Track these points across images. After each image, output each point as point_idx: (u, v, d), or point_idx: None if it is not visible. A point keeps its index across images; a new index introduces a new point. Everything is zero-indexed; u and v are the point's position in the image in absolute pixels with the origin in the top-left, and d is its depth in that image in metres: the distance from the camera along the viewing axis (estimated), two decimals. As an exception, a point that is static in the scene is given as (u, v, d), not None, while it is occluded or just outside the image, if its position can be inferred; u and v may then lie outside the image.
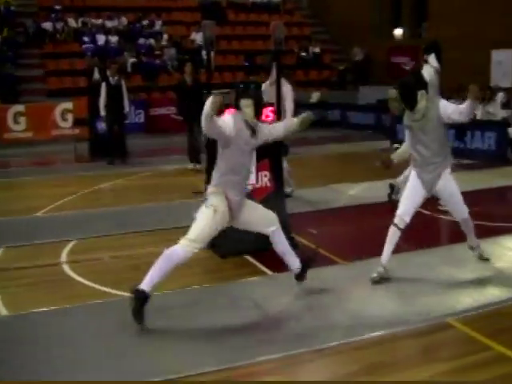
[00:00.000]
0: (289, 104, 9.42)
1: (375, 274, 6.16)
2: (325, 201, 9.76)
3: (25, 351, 4.75)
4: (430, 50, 9.90)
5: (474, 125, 14.03)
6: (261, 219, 5.67)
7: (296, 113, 9.09)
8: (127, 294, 5.84)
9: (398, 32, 23.39)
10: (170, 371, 4.40)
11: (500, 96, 15.30)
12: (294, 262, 5.86)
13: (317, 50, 24.39)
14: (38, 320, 5.36)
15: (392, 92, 18.61)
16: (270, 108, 7.13)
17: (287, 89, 9.49)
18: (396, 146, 11.57)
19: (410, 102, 5.97)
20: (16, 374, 4.42)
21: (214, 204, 5.30)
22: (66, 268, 6.76)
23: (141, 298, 5.06)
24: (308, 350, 4.69)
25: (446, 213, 7.38)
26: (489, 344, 4.74)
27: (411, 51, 21.29)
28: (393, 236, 6.20)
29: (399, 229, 6.17)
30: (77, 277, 6.47)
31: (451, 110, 5.97)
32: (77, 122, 15.92)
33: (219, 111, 5.13)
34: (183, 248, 5.20)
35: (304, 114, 5.71)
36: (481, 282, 6.08)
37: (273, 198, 7.26)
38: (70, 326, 5.24)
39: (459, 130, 14.19)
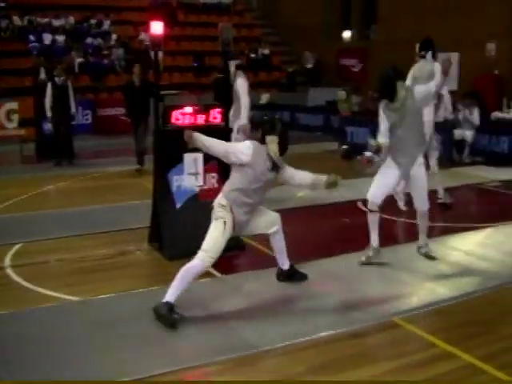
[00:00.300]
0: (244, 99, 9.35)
1: (363, 258, 6.61)
2: (275, 202, 9.73)
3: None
4: (428, 46, 10.14)
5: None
6: (264, 223, 5.80)
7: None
8: (74, 298, 5.82)
9: (347, 34, 23.64)
10: (119, 375, 4.35)
11: (446, 98, 15.57)
12: (285, 262, 6.04)
13: (266, 51, 24.46)
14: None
15: (341, 93, 18.95)
16: (218, 109, 7.06)
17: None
18: (345, 146, 11.74)
19: (390, 93, 6.35)
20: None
21: (222, 216, 5.41)
22: (10, 272, 6.60)
23: (169, 307, 5.12)
24: (255, 352, 4.68)
25: (391, 214, 7.49)
26: (433, 341, 4.82)
27: (360, 53, 21.58)
28: (372, 221, 6.60)
29: (375, 211, 6.57)
30: (22, 281, 6.32)
31: (424, 87, 6.59)
32: (23, 123, 15.59)
33: None
34: (200, 260, 5.31)
35: (332, 176, 5.77)
36: (426, 282, 6.18)
37: (221, 199, 7.24)
38: (14, 332, 5.09)
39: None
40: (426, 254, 6.81)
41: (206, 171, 7.10)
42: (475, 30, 17.36)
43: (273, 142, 5.48)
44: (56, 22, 22.37)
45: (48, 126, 14.38)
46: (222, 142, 5.59)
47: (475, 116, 13.65)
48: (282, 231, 5.93)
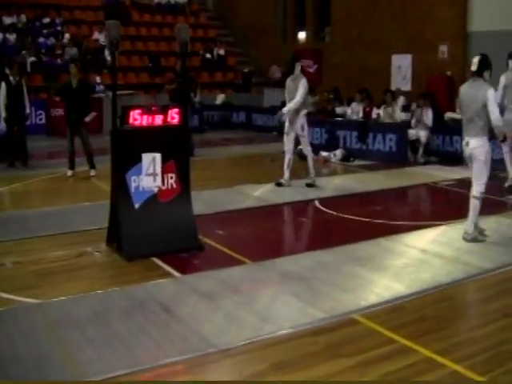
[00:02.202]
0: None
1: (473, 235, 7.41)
2: (230, 202, 9.79)
3: None
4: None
5: (376, 127, 14.51)
6: None
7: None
8: (32, 300, 5.73)
9: (302, 36, 23.79)
10: (82, 375, 4.32)
11: (400, 99, 15.86)
12: None
13: (221, 52, 24.45)
14: None
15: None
16: (175, 109, 7.03)
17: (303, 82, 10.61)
18: (299, 147, 11.84)
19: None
20: None
21: None
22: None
23: None
24: (215, 351, 4.69)
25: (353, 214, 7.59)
26: (392, 337, 4.90)
27: (315, 54, 21.72)
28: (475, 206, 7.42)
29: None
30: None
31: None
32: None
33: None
34: None
35: None
36: (384, 279, 6.27)
37: (179, 199, 7.24)
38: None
39: (361, 132, 14.62)
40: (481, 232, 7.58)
41: (164, 171, 7.07)
42: (427, 32, 17.69)
43: None
44: (7, 20, 21.94)
45: (1, 127, 14.09)
46: None
47: (429, 117, 13.90)
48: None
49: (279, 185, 10.78)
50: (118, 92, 19.25)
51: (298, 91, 10.45)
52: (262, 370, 4.41)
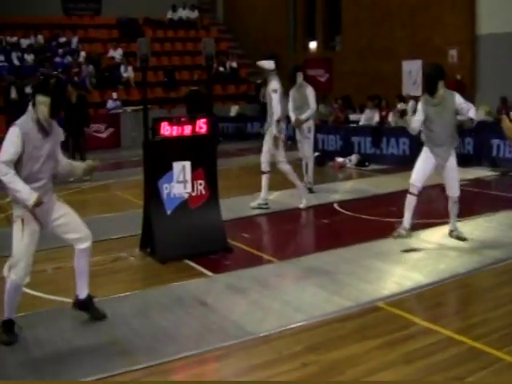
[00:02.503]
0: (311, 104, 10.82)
1: (396, 233, 7.48)
2: (236, 210, 10.20)
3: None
4: None
5: (389, 132, 14.92)
6: (76, 234, 5.41)
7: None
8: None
9: (313, 45, 24.23)
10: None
11: (411, 104, 16.24)
12: (83, 290, 5.60)
13: (234, 64, 24.97)
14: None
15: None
16: (203, 120, 7.49)
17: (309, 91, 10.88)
18: (316, 153, 12.28)
19: (431, 89, 7.28)
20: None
21: (17, 214, 5.08)
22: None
23: (6, 323, 5.21)
24: (253, 337, 5.14)
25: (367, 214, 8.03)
26: (414, 320, 5.35)
27: (325, 63, 22.16)
28: (409, 203, 7.53)
29: (414, 195, 7.47)
30: (24, 288, 6.63)
31: (463, 108, 7.40)
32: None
33: None
34: (9, 278, 5.11)
35: (89, 161, 5.80)
36: (404, 270, 6.72)
37: (208, 205, 7.69)
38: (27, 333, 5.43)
39: (375, 137, 15.04)
40: (458, 236, 7.71)
41: (193, 179, 7.52)
42: (436, 38, 18.05)
43: (44, 103, 4.99)
44: (24, 42, 22.59)
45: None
46: (4, 163, 4.93)
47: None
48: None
49: (310, 190, 11.10)
50: (133, 107, 19.96)
51: (308, 99, 10.77)
52: (298, 352, 4.86)
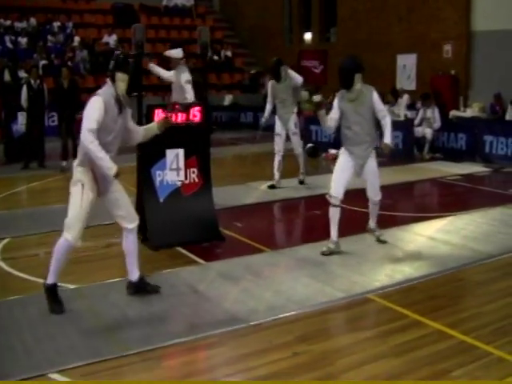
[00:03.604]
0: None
1: (325, 248, 6.97)
2: (245, 197, 10.27)
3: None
4: None
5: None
6: (125, 210, 5.63)
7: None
8: (68, 285, 6.18)
9: (308, 36, 24.21)
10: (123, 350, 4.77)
11: (406, 98, 16.29)
12: (134, 271, 5.82)
13: (229, 53, 24.91)
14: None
15: (304, 94, 19.43)
16: (197, 108, 7.48)
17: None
18: (310, 145, 12.29)
19: (348, 83, 6.79)
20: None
21: (79, 178, 5.32)
22: (3, 264, 6.91)
23: (52, 288, 5.42)
24: (245, 326, 5.16)
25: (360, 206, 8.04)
26: (405, 313, 5.37)
27: (320, 55, 22.16)
28: (334, 215, 7.00)
29: (336, 206, 6.97)
30: (15, 271, 6.65)
31: (378, 109, 6.91)
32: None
33: None
34: (64, 238, 5.34)
35: (162, 118, 5.95)
36: (395, 263, 6.75)
37: (201, 193, 7.69)
38: (18, 317, 5.44)
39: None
40: (377, 237, 7.40)
41: (186, 166, 7.51)
42: (432, 32, 18.08)
43: (123, 80, 5.29)
44: (18, 25, 22.45)
45: (18, 128, 14.58)
46: (89, 130, 5.14)
47: (436, 117, 14.36)
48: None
49: (272, 187, 10.88)
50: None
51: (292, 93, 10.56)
52: (289, 341, 4.88)
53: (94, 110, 5.20)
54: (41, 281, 6.22)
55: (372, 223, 7.46)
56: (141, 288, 5.83)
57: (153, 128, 5.82)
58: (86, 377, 4.39)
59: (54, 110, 19.26)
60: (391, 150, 6.94)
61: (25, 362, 4.58)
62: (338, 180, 6.97)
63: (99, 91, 5.36)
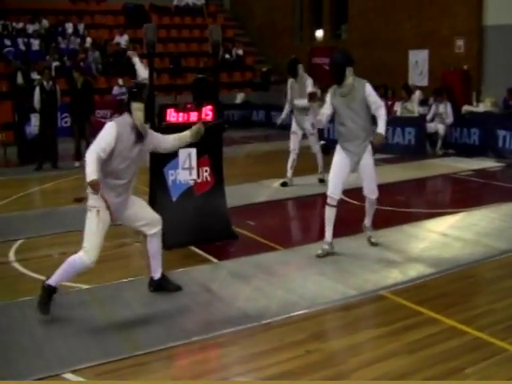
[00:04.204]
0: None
1: (320, 251, 6.82)
2: (258, 195, 10.28)
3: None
4: None
5: (395, 121, 14.89)
6: (145, 220, 5.70)
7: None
8: (81, 285, 6.22)
9: (319, 34, 24.15)
10: (135, 349, 4.78)
11: (418, 94, 16.21)
12: (157, 270, 5.89)
13: (240, 52, 24.91)
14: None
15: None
16: (209, 107, 7.48)
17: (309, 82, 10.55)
18: (322, 142, 12.26)
19: (339, 78, 6.66)
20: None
21: (94, 204, 5.36)
22: (17, 265, 6.96)
23: (48, 290, 5.38)
24: (257, 324, 5.16)
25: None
26: (418, 310, 5.37)
27: (331, 52, 22.00)
28: (329, 217, 6.87)
29: (333, 206, 6.84)
30: (29, 272, 6.69)
31: (372, 102, 6.69)
32: (4, 127, 15.81)
33: None
34: (79, 258, 5.35)
35: (195, 127, 5.84)
36: (408, 260, 6.73)
37: (213, 192, 7.70)
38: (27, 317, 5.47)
39: (380, 126, 14.99)
40: (369, 238, 7.23)
41: (199, 165, 7.51)
42: (443, 28, 17.98)
43: (139, 109, 5.36)
44: (30, 27, 22.55)
45: (31, 130, 14.65)
46: (94, 150, 5.27)
47: (449, 112, 14.28)
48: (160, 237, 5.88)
49: (284, 185, 10.89)
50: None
51: (307, 89, 10.54)
52: (301, 340, 4.88)
53: (103, 137, 5.32)
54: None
55: (367, 222, 7.28)
56: (162, 286, 5.90)
57: (185, 136, 5.86)
58: (99, 376, 4.41)
59: (66, 111, 19.60)
60: (383, 141, 6.84)
61: (38, 362, 4.61)
62: (335, 179, 6.84)
63: (116, 119, 5.50)
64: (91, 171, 5.13)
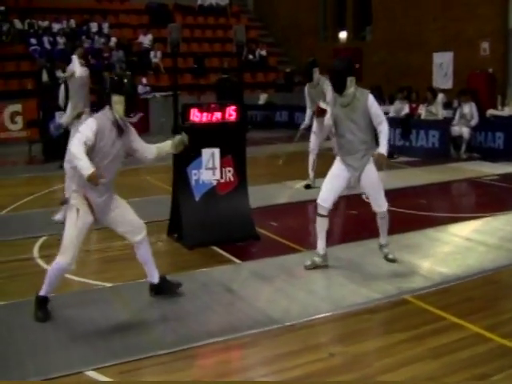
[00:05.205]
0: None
1: (309, 262, 6.53)
2: (281, 196, 10.27)
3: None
4: None
5: (419, 124, 14.80)
6: (130, 227, 5.53)
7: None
8: (103, 283, 6.25)
9: (343, 35, 24.08)
10: (158, 347, 4.79)
11: (441, 97, 16.09)
12: (154, 275, 5.76)
13: (263, 52, 24.90)
14: (21, 309, 5.59)
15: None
16: (233, 107, 7.47)
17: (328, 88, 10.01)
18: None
19: (339, 87, 6.29)
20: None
21: (74, 203, 5.25)
22: (40, 262, 7.01)
23: (40, 300, 5.35)
24: (280, 326, 5.14)
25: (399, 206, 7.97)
26: (442, 315, 5.30)
27: (355, 53, 21.99)
28: (321, 227, 6.53)
29: (323, 216, 6.49)
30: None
31: (374, 115, 6.32)
32: (29, 124, 15.94)
33: None
34: (58, 262, 5.24)
35: (178, 137, 5.66)
36: (431, 264, 6.68)
37: (236, 192, 7.70)
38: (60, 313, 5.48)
39: (404, 129, 14.94)
40: (386, 255, 6.73)
41: (222, 165, 7.49)
42: (468, 29, 17.85)
43: (119, 102, 5.16)
44: (56, 26, 22.74)
45: (55, 127, 14.73)
46: (80, 143, 5.02)
47: (474, 112, 14.15)
48: (148, 243, 5.76)
49: (308, 187, 10.74)
50: (163, 93, 20.03)
51: (327, 93, 10.28)
52: (324, 342, 4.88)
53: (85, 132, 5.09)
54: (76, 279, 6.35)
55: (382, 240, 6.74)
56: (162, 289, 5.78)
57: (166, 146, 5.67)
58: (121, 375, 4.41)
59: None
60: (386, 162, 6.46)
61: (61, 360, 4.62)
62: (328, 188, 6.48)
63: (96, 114, 5.29)
64: (86, 164, 4.93)
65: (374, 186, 6.47)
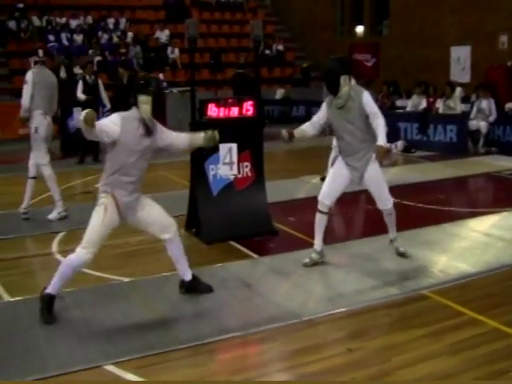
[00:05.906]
0: None
1: (307, 260, 6.48)
2: (298, 191, 10.26)
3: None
4: None
5: (436, 118, 14.72)
6: (159, 225, 5.52)
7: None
8: (121, 278, 6.28)
9: (360, 29, 23.99)
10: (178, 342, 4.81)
11: (458, 91, 15.98)
12: (186, 272, 5.75)
13: (280, 47, 24.87)
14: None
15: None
16: (250, 102, 7.48)
17: None
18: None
19: (333, 87, 6.12)
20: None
21: (102, 202, 5.26)
22: (59, 257, 7.04)
23: (48, 299, 5.26)
24: (298, 321, 5.14)
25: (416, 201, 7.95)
26: (461, 310, 5.28)
27: (372, 48, 21.90)
28: (320, 223, 6.50)
29: (323, 213, 6.48)
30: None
31: (370, 112, 6.08)
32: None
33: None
34: (76, 255, 5.18)
35: (210, 132, 5.63)
36: (450, 259, 6.65)
37: (254, 187, 7.71)
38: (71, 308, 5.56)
39: (422, 123, 14.86)
40: (397, 249, 6.70)
41: (240, 161, 7.51)
42: (486, 23, 17.71)
43: (146, 102, 5.17)
44: (73, 22, 22.87)
45: (73, 123, 14.83)
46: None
47: (492, 108, 14.04)
48: (179, 239, 5.68)
49: (324, 180, 10.74)
50: (180, 88, 20.07)
51: None
52: (342, 337, 4.86)
53: (106, 118, 5.26)
54: (95, 273, 6.39)
55: (391, 234, 6.68)
56: (193, 287, 5.78)
57: (198, 139, 5.66)
58: (139, 369, 4.43)
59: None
60: (388, 153, 6.31)
61: (80, 354, 4.66)
62: (330, 186, 6.44)
63: (122, 113, 5.27)
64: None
65: (378, 185, 6.41)
